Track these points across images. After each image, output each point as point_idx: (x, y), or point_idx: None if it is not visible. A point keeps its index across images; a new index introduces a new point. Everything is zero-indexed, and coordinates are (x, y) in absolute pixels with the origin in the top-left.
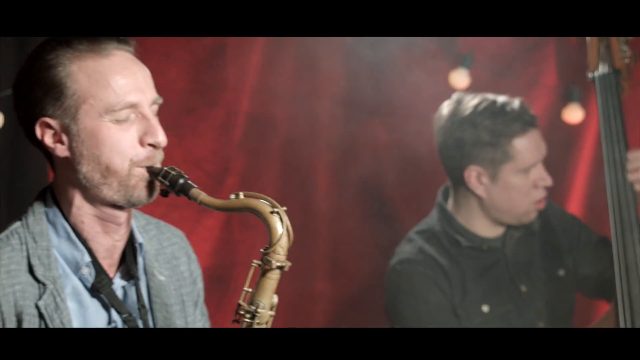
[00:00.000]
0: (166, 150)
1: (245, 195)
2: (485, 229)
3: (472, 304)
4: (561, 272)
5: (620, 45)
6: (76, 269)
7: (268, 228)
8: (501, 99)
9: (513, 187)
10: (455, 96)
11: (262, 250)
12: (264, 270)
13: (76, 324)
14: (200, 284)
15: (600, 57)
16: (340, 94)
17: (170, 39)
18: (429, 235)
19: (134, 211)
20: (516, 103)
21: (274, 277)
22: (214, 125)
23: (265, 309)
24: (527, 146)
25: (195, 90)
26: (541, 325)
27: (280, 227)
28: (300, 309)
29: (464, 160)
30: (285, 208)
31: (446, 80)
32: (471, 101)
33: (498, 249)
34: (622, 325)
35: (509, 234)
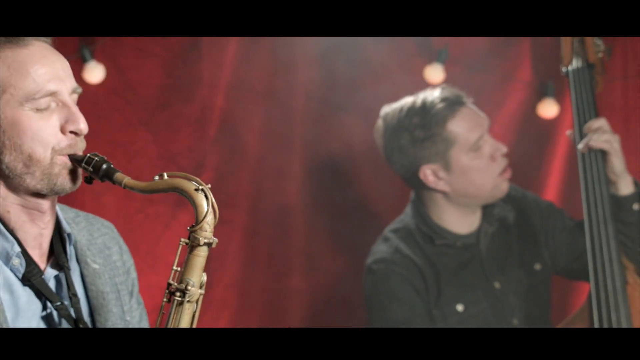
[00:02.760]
0: (141, 145)
1: (169, 176)
2: (459, 225)
3: (447, 304)
4: (537, 267)
5: (594, 40)
6: (6, 259)
7: (194, 205)
8: (420, 95)
9: (469, 168)
10: (381, 112)
11: (188, 228)
12: (192, 247)
13: (9, 313)
14: (134, 274)
15: (574, 52)
16: (316, 90)
17: None
18: (404, 234)
19: (62, 205)
20: (435, 91)
21: (201, 254)
22: (189, 120)
23: (195, 287)
24: (463, 124)
25: (170, 85)
26: (515, 322)
27: (206, 204)
28: (275, 305)
29: (413, 164)
30: (209, 185)
31: (421, 75)
32: (394, 110)
33: (472, 246)
34: (596, 321)
35: (482, 229)
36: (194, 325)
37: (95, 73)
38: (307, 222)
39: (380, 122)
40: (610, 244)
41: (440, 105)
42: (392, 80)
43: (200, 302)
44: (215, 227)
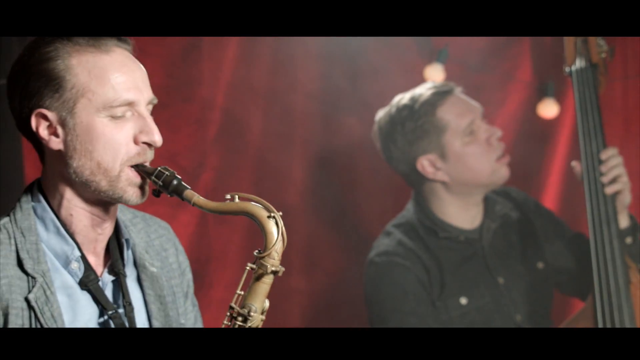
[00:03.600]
0: None
1: (240, 198)
2: (461, 219)
3: (451, 296)
4: (540, 265)
5: (597, 40)
6: (65, 263)
7: (264, 233)
8: (405, 95)
9: (464, 154)
10: (375, 117)
11: (256, 253)
12: (259, 274)
13: (66, 317)
14: (189, 275)
15: (577, 52)
16: (316, 89)
17: None
18: (406, 228)
19: (121, 206)
20: (421, 88)
21: (267, 281)
22: (189, 120)
23: (257, 313)
24: (452, 109)
25: (170, 85)
26: (519, 317)
27: (276, 232)
28: (276, 305)
29: (410, 157)
30: (281, 213)
31: (421, 75)
32: (385, 110)
33: (475, 240)
34: (599, 320)
35: (485, 225)
36: None
37: None
38: (307, 221)
39: (375, 126)
40: (613, 243)
41: (427, 94)
42: (392, 80)
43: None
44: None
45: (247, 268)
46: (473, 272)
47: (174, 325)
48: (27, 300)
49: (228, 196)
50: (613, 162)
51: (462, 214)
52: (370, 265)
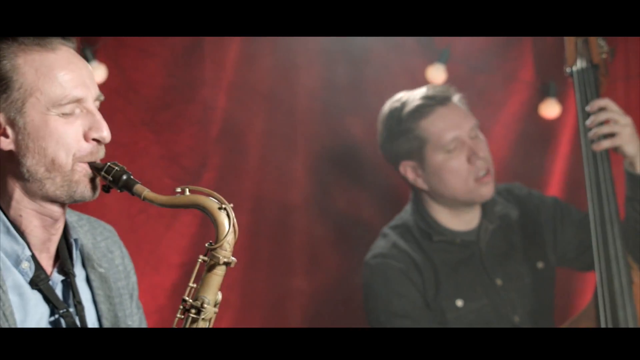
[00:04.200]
0: (143, 145)
1: (191, 191)
2: (455, 222)
3: (446, 299)
4: (540, 265)
5: (598, 41)
6: (16, 262)
7: (215, 224)
8: (405, 94)
9: (442, 169)
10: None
11: (207, 245)
12: (210, 265)
13: (18, 316)
14: (134, 278)
15: (578, 52)
16: (317, 90)
17: None
18: (402, 230)
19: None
20: (419, 90)
21: (219, 273)
22: (191, 120)
23: (210, 305)
24: (439, 123)
25: (172, 85)
26: (516, 319)
27: (227, 223)
28: (278, 305)
29: (394, 159)
30: (232, 205)
31: (423, 75)
32: (385, 106)
33: (472, 243)
34: (602, 320)
35: (483, 226)
36: None
37: (97, 73)
38: (309, 222)
39: (378, 124)
40: (616, 243)
41: (416, 103)
42: (394, 80)
43: (213, 321)
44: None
45: (199, 260)
46: (470, 274)
47: (122, 326)
48: None
49: (178, 189)
50: (605, 106)
51: (453, 218)
52: (366, 267)
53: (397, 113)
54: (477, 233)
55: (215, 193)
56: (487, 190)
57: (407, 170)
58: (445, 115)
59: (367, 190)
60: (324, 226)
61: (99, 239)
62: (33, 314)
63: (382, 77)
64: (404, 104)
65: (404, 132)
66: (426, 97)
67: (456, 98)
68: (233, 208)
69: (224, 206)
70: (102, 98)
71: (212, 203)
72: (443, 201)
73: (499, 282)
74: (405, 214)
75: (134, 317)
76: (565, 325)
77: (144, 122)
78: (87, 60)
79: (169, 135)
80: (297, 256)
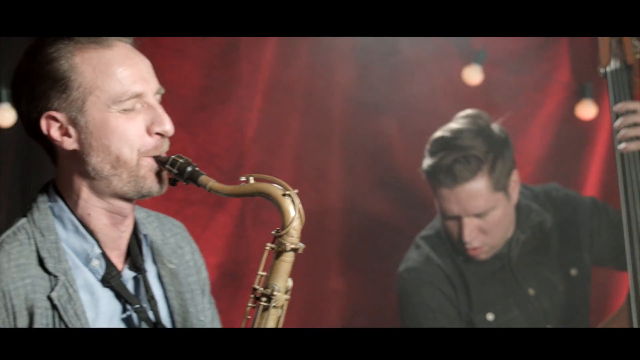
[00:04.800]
0: (179, 146)
1: (255, 179)
2: None
3: (478, 313)
4: (573, 272)
5: (632, 41)
6: (86, 261)
7: (280, 211)
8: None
9: (444, 223)
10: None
11: (274, 233)
12: (278, 252)
13: (90, 314)
14: (204, 273)
15: (612, 53)
16: (354, 90)
17: None
18: (435, 242)
19: (135, 205)
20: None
21: (287, 259)
22: (228, 121)
23: (281, 292)
24: (450, 198)
25: (208, 86)
26: (549, 327)
27: (293, 209)
28: (314, 305)
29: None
30: (297, 190)
31: (459, 76)
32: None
33: (503, 254)
34: (634, 321)
35: (514, 237)
36: None
37: None
38: (345, 223)
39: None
40: None
41: (447, 174)
42: (430, 81)
43: (285, 308)
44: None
45: (267, 248)
46: (501, 286)
47: (194, 322)
48: (50, 299)
49: (243, 178)
50: (632, 118)
51: None
52: (400, 281)
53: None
54: (509, 244)
55: (279, 180)
56: (473, 253)
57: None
58: (457, 196)
59: (402, 191)
60: (360, 226)
61: (168, 235)
62: (105, 311)
63: (418, 78)
64: (453, 138)
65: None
66: (455, 175)
67: (487, 127)
68: (297, 194)
69: (288, 192)
70: (163, 91)
71: (276, 190)
72: None
73: (531, 292)
74: (437, 222)
75: (206, 312)
76: (599, 327)
77: (180, 123)
78: None
79: (205, 136)
80: (333, 257)
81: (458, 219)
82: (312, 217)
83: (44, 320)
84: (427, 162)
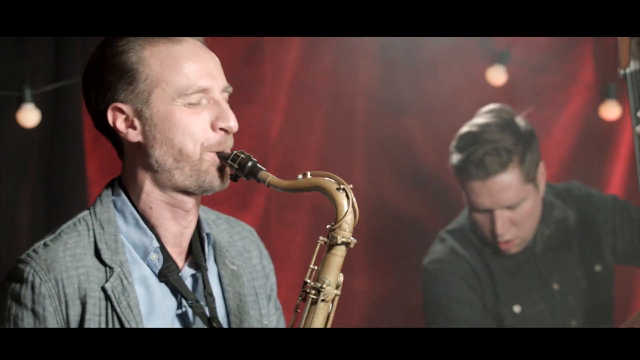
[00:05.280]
0: None
1: (312, 174)
2: None
3: (504, 305)
4: (597, 268)
5: None
6: (144, 254)
7: (334, 204)
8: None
9: (471, 217)
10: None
11: (328, 226)
12: (330, 246)
13: (143, 308)
14: (273, 279)
15: (632, 54)
16: (377, 90)
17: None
18: (459, 235)
19: (204, 207)
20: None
21: (339, 253)
22: (252, 122)
23: (331, 286)
24: (481, 191)
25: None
26: (574, 323)
27: (346, 203)
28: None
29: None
30: (351, 185)
31: (483, 77)
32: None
33: (528, 248)
34: None
35: (539, 232)
36: (328, 326)
37: None
38: (368, 223)
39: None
40: None
41: (479, 165)
42: (453, 81)
43: (335, 303)
44: (354, 228)
45: (319, 242)
46: (526, 280)
47: (254, 324)
48: (103, 289)
49: (300, 175)
50: None
51: None
52: (424, 273)
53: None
54: (534, 238)
55: (334, 175)
56: (507, 249)
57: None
58: (477, 188)
59: (426, 191)
60: (383, 226)
61: (235, 237)
62: (160, 306)
63: (442, 78)
64: (480, 131)
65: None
66: (489, 165)
67: (510, 119)
68: (352, 189)
69: (342, 187)
70: (231, 90)
71: (330, 184)
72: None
73: (555, 286)
74: (462, 217)
75: (271, 317)
76: (622, 325)
77: None
78: None
79: None
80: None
81: (489, 212)
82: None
83: (96, 310)
84: (456, 157)
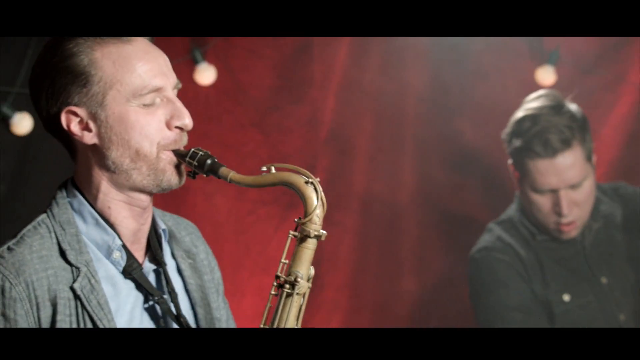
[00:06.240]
0: (253, 147)
1: (277, 169)
2: None
3: (553, 293)
4: None
5: None
6: (108, 253)
7: (302, 198)
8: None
9: (531, 201)
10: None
11: (296, 220)
12: (301, 239)
13: (112, 305)
14: (218, 273)
15: None
16: (426, 91)
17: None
18: (507, 226)
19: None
20: (558, 122)
21: (310, 247)
22: (300, 122)
23: (304, 280)
24: (548, 170)
25: (281, 87)
26: (622, 317)
27: (315, 197)
28: (386, 306)
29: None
30: (318, 179)
31: (532, 77)
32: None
33: (577, 241)
34: None
35: (587, 225)
36: (300, 319)
37: (206, 75)
38: (417, 223)
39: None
40: None
41: (544, 141)
42: (502, 82)
43: (307, 297)
44: (324, 220)
45: (290, 236)
46: (574, 271)
47: (214, 314)
48: (72, 289)
49: (264, 168)
50: None
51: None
52: (472, 262)
53: (528, 133)
54: (582, 232)
55: (300, 168)
56: (567, 233)
57: (510, 170)
58: (553, 167)
59: (475, 191)
60: (432, 227)
61: (183, 233)
62: (125, 302)
63: (491, 78)
64: (533, 130)
65: (523, 148)
66: (553, 141)
67: (562, 106)
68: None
69: (310, 180)
70: (180, 86)
71: (298, 178)
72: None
73: (604, 280)
74: (511, 210)
75: (221, 311)
76: None
77: (253, 124)
78: (196, 61)
79: (278, 137)
80: (405, 257)
81: (554, 192)
82: (384, 218)
83: (67, 310)
84: (516, 142)
